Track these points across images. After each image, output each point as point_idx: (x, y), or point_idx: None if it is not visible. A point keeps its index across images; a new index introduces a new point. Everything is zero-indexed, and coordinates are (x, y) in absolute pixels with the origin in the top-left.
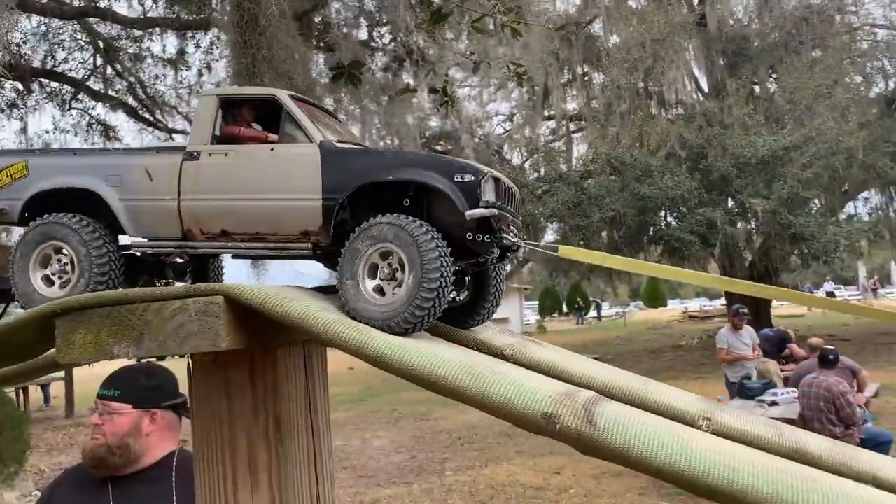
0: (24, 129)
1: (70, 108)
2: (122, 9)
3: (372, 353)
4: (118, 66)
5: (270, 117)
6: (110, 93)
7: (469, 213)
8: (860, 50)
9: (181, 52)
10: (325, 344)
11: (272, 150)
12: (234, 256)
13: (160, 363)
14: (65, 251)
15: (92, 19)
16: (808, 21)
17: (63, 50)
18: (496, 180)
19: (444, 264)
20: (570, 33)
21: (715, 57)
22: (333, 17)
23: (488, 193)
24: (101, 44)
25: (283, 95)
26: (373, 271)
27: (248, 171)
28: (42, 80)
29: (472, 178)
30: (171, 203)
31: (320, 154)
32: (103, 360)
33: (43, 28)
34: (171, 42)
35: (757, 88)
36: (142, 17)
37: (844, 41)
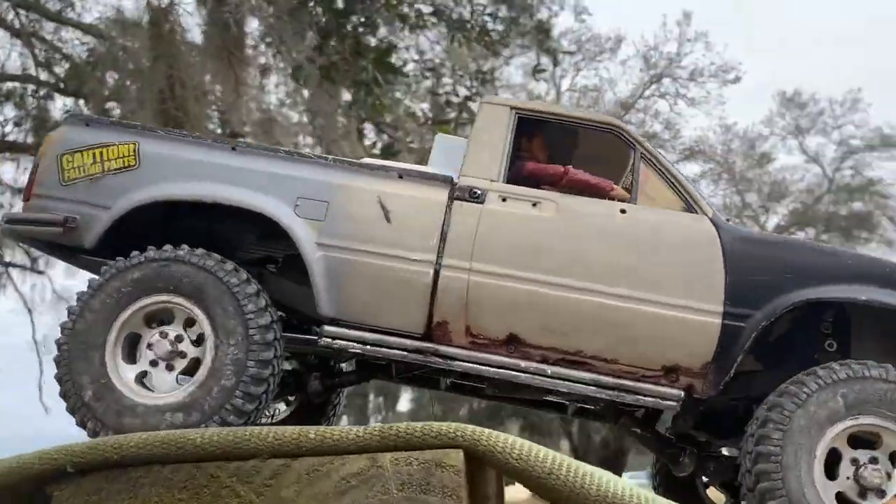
0: None
1: None
2: None
3: None
4: None
5: (569, 159)
6: None
7: None
8: None
9: None
10: None
11: (623, 212)
12: (501, 398)
13: None
14: (192, 323)
15: None
16: None
17: None
18: None
19: None
20: None
21: None
22: None
23: None
24: None
25: (630, 128)
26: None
27: (580, 241)
28: None
29: None
30: (422, 268)
31: (719, 238)
32: None
33: None
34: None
35: None
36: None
37: None
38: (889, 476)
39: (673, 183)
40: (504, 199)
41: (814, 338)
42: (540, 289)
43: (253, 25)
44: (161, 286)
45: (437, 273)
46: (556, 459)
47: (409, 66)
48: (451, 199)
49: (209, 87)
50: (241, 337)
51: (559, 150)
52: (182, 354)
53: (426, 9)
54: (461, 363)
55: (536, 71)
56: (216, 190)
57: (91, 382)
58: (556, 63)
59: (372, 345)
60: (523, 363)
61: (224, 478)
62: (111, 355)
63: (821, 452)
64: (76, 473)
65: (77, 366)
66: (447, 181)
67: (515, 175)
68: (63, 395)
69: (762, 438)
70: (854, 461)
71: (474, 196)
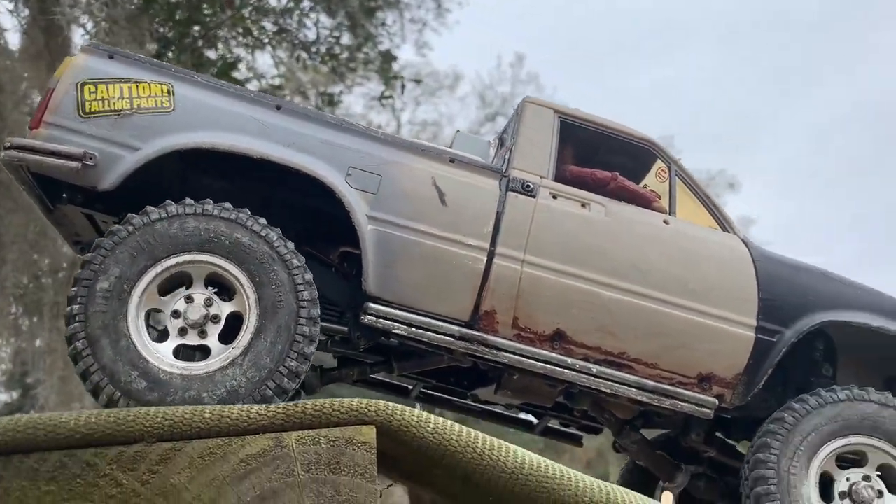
0: None
1: None
2: None
3: None
4: None
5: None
6: None
7: None
8: None
9: None
10: None
11: (667, 223)
12: (471, 410)
13: None
14: (229, 290)
15: None
16: None
17: None
18: None
19: None
20: None
21: None
22: None
23: None
24: None
25: (665, 147)
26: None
27: (632, 245)
28: None
29: None
30: (477, 254)
31: (751, 257)
32: None
33: None
34: None
35: None
36: None
37: None
38: (881, 493)
39: (706, 202)
40: (555, 196)
41: (807, 364)
42: (593, 288)
43: (80, 31)
44: (195, 245)
45: (490, 261)
46: (472, 433)
47: (253, 84)
48: (505, 189)
49: (27, 92)
50: (290, 296)
51: (581, 157)
52: (210, 319)
53: (271, 27)
54: (508, 355)
55: (383, 97)
56: (265, 147)
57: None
58: (403, 90)
59: (418, 327)
60: (569, 360)
61: (102, 466)
62: (136, 315)
63: (816, 469)
64: None
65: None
66: (498, 171)
67: (559, 176)
68: (69, 316)
69: (759, 462)
70: (848, 479)
71: (527, 189)
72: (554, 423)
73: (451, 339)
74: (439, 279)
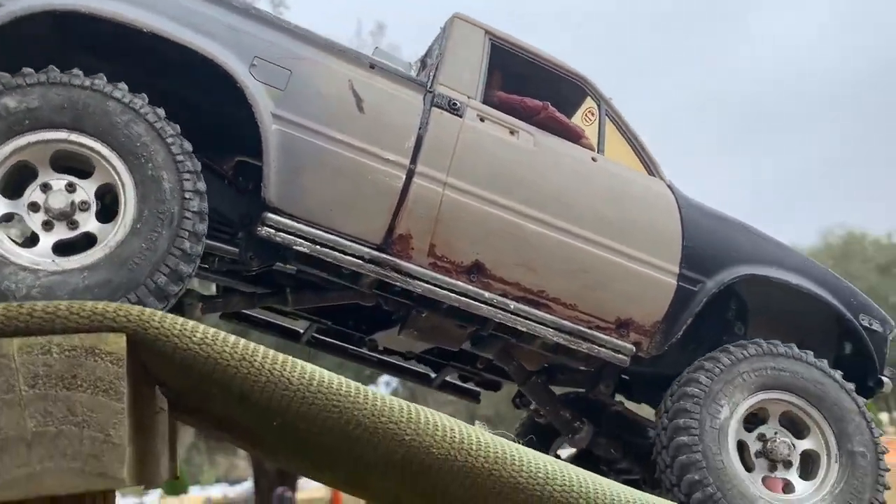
0: None
1: None
2: None
3: None
4: None
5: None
6: None
7: (887, 381)
8: None
9: None
10: None
11: (594, 160)
12: (365, 360)
13: None
14: (104, 178)
15: None
16: None
17: None
18: None
19: None
20: None
21: None
22: None
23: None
24: None
25: (597, 85)
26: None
27: (558, 178)
28: None
29: (881, 329)
30: (395, 171)
31: (677, 203)
32: None
33: None
34: None
35: None
36: None
37: None
38: (790, 463)
39: (635, 145)
40: (482, 119)
41: (719, 322)
42: (516, 219)
43: None
44: (60, 121)
45: (409, 179)
46: (250, 346)
47: None
48: (430, 104)
49: None
50: (173, 186)
51: (509, 85)
52: (83, 206)
53: None
54: (422, 283)
55: None
56: (157, 22)
57: None
58: None
59: (323, 245)
60: (487, 294)
61: None
62: None
63: (736, 424)
64: None
65: None
66: (422, 85)
67: (487, 101)
68: None
69: (679, 412)
70: (775, 432)
71: (453, 107)
72: (452, 378)
73: (360, 262)
74: (351, 194)
